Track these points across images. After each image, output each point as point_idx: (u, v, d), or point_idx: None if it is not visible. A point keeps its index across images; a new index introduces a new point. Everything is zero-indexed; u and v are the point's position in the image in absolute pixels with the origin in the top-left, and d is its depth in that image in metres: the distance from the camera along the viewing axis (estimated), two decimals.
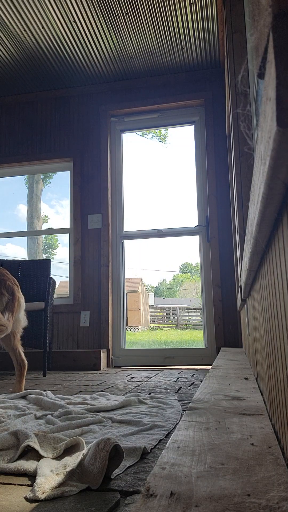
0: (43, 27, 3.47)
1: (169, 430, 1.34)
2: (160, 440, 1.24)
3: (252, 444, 0.75)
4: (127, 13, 3.32)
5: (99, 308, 3.98)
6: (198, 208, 4.06)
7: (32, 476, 0.96)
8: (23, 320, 2.41)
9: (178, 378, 2.80)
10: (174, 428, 1.34)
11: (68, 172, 4.37)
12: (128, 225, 4.24)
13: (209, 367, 2.60)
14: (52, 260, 3.98)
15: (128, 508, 0.78)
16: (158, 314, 18.82)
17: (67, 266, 4.25)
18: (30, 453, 1.09)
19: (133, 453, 1.08)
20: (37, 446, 1.08)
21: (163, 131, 9.34)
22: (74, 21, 3.39)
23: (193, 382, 2.56)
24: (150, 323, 18.92)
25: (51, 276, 3.71)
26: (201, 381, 2.53)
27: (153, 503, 0.52)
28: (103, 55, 3.85)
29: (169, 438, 0.82)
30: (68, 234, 4.24)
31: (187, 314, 19.51)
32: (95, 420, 1.44)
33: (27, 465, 1.00)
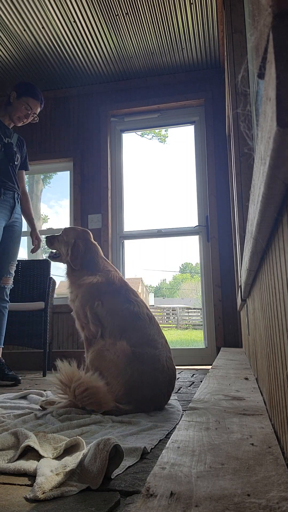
0: (43, 27, 3.47)
1: (169, 430, 1.34)
2: (160, 440, 1.24)
3: (252, 444, 0.75)
4: (127, 13, 3.32)
5: None
6: (198, 208, 4.06)
7: (32, 476, 0.95)
8: None
9: (178, 378, 2.80)
10: (174, 428, 1.34)
11: (68, 172, 4.37)
12: (128, 225, 4.25)
13: (209, 367, 2.60)
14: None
15: (128, 508, 0.78)
16: (158, 314, 18.82)
17: None
18: (30, 453, 1.09)
19: (133, 453, 1.08)
20: (37, 446, 1.08)
21: (163, 131, 9.35)
22: (74, 21, 3.39)
23: (193, 382, 2.56)
24: None
25: (51, 276, 3.71)
26: (201, 381, 2.53)
27: (153, 503, 0.52)
28: (103, 55, 3.85)
29: (169, 438, 0.82)
30: None
31: (187, 314, 19.50)
32: (95, 420, 1.44)
33: (27, 465, 1.00)
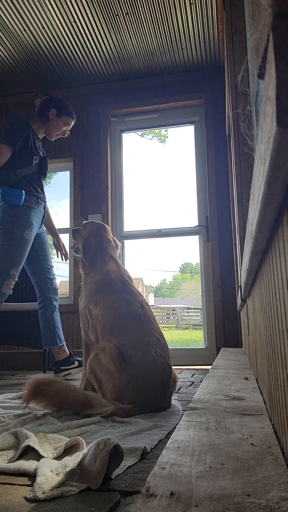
0: (43, 27, 3.47)
1: (169, 430, 1.34)
2: (160, 440, 1.24)
3: (252, 444, 0.75)
4: (127, 13, 3.32)
5: None
6: (198, 208, 4.06)
7: (32, 476, 0.95)
8: None
9: (178, 378, 2.80)
10: (174, 428, 1.34)
11: (68, 172, 4.37)
12: (128, 225, 4.24)
13: (209, 367, 2.60)
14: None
15: (128, 508, 0.78)
16: (158, 314, 18.81)
17: (67, 266, 4.25)
18: (30, 453, 1.09)
19: (133, 453, 1.08)
20: (37, 446, 1.08)
21: (163, 131, 9.35)
22: (74, 21, 3.39)
23: (193, 382, 2.56)
24: None
25: None
26: (201, 381, 2.53)
27: (153, 503, 0.52)
28: (103, 55, 3.85)
29: (169, 438, 0.82)
30: (68, 234, 4.24)
31: (187, 314, 19.52)
32: (95, 420, 1.44)
33: (27, 465, 1.00)
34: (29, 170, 2.84)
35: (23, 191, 2.77)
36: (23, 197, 2.76)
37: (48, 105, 2.98)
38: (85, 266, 2.08)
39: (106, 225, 2.26)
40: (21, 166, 2.81)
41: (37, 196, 2.87)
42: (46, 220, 3.14)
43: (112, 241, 2.19)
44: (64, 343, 3.03)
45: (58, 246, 3.23)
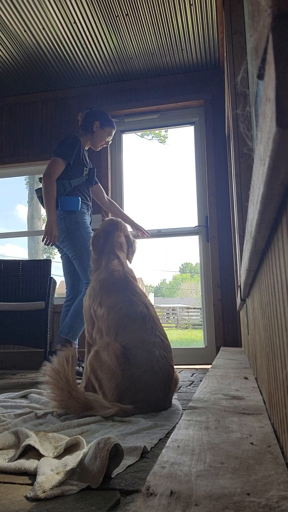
0: (43, 28, 3.47)
1: (169, 429, 1.34)
2: (160, 439, 1.24)
3: (252, 443, 0.76)
4: (127, 14, 3.32)
5: None
6: (198, 208, 4.06)
7: (32, 475, 0.96)
8: None
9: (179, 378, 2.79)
10: (174, 427, 1.34)
11: None
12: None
13: (209, 366, 2.60)
14: (52, 260, 3.98)
15: (128, 507, 0.79)
16: (158, 313, 18.79)
17: None
18: (31, 452, 1.09)
19: (133, 452, 1.08)
20: (37, 445, 1.09)
21: (163, 132, 9.35)
22: (74, 21, 3.40)
23: (193, 382, 2.56)
24: None
25: (51, 276, 3.71)
26: (200, 381, 2.53)
27: (153, 502, 0.52)
28: (103, 56, 3.85)
29: (169, 437, 0.82)
30: None
31: (187, 313, 19.50)
32: (96, 419, 1.44)
33: (28, 464, 1.00)
34: (80, 180, 3.08)
35: (79, 198, 3.01)
36: (80, 203, 3.00)
37: (92, 118, 3.17)
38: (94, 261, 2.11)
39: (122, 222, 2.26)
40: (74, 177, 3.05)
41: (87, 204, 3.13)
42: (121, 215, 3.38)
43: (123, 238, 2.18)
44: (76, 346, 3.10)
45: (138, 228, 3.45)
